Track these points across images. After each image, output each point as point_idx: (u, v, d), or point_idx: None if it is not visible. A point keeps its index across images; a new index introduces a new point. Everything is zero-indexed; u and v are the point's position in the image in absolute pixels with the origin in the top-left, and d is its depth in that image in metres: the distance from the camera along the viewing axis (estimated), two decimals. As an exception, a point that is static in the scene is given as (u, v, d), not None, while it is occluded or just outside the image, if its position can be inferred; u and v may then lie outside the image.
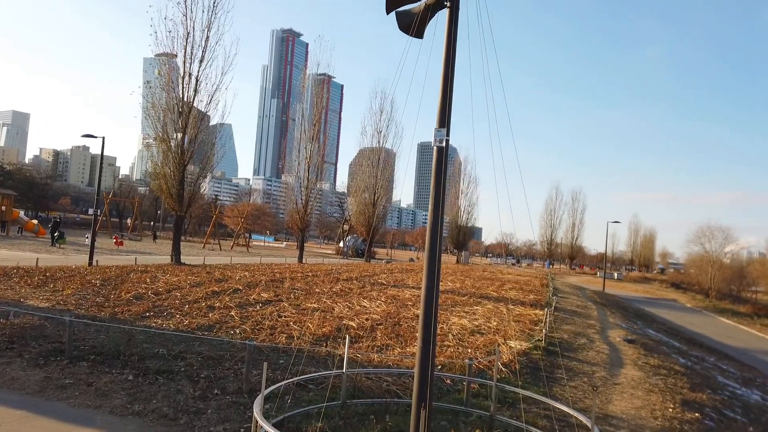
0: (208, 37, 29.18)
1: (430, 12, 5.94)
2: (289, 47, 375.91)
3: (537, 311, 20.71)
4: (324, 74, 49.02)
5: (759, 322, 43.27)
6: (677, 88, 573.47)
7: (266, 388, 6.09)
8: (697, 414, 9.39)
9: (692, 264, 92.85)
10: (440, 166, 6.32)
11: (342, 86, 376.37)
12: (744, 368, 22.62)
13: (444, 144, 6.33)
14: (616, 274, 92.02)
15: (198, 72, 29.15)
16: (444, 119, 6.25)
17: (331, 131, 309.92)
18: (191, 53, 28.96)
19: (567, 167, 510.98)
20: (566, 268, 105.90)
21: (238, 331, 12.26)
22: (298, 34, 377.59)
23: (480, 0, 5.87)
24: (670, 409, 9.40)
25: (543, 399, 7.39)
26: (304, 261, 44.66)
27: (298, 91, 52.79)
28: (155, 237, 64.30)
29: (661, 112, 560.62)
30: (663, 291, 68.85)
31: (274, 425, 6.06)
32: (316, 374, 8.08)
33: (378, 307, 17.94)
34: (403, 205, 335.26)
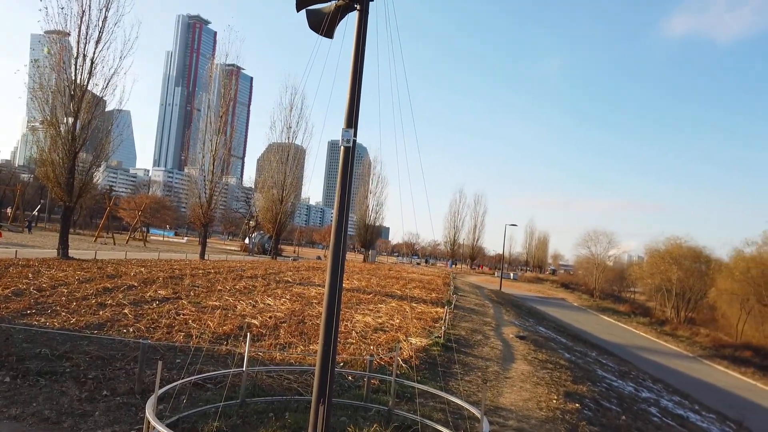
0: (106, 18, 27.30)
1: (340, 13, 6.01)
2: (195, 34, 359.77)
3: (438, 309, 21.44)
4: (233, 65, 47.60)
5: (635, 320, 47.53)
6: (573, 98, 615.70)
7: (160, 387, 5.88)
8: (577, 404, 10.19)
9: (580, 266, 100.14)
10: (347, 166, 6.42)
11: (251, 78, 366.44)
12: (621, 362, 24.79)
13: (351, 144, 6.44)
14: (512, 275, 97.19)
15: (94, 54, 27.20)
16: (351, 120, 6.36)
17: (239, 124, 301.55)
18: (86, 33, 26.94)
19: (471, 172, 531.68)
20: (467, 267, 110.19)
21: (131, 330, 11.66)
22: (206, 22, 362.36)
23: (389, 7, 6.03)
24: (554, 401, 10.14)
25: (438, 393, 7.72)
26: (206, 257, 43.09)
27: (205, 81, 50.67)
28: (30, 228, 58.43)
29: (558, 120, 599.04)
30: (554, 291, 73.64)
31: (169, 426, 5.87)
32: (214, 373, 7.90)
33: (283, 305, 17.77)
34: (312, 202, 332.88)
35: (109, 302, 14.78)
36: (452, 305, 23.45)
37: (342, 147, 6.46)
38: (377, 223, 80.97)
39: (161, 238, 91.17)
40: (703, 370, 29.41)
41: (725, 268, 54.15)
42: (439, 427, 6.97)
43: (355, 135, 6.48)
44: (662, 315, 57.10)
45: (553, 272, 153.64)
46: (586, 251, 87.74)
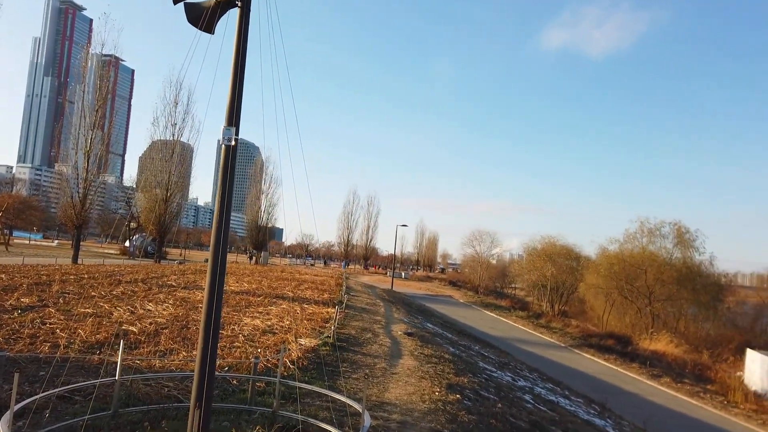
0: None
1: (220, 8, 5.90)
2: (68, 21, 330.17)
3: (329, 309, 21.51)
4: (110, 55, 44.33)
5: (514, 314, 50.78)
6: (461, 107, 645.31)
7: (17, 402, 5.40)
8: (458, 395, 10.74)
9: (466, 264, 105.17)
10: (227, 165, 6.30)
11: (133, 71, 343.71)
12: (501, 354, 26.37)
13: (233, 143, 6.33)
14: (403, 274, 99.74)
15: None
16: (233, 118, 6.26)
17: (118, 119, 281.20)
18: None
19: (365, 173, 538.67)
20: (361, 268, 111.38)
21: (-14, 343, 10.52)
22: (80, 8, 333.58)
23: (270, 4, 6.01)
24: (437, 393, 10.60)
25: (323, 391, 7.79)
26: (80, 262, 39.80)
27: (78, 71, 46.68)
28: None
29: (447, 128, 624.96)
30: (442, 288, 76.63)
31: (27, 443, 5.42)
32: (81, 384, 7.37)
33: (165, 310, 16.90)
34: (201, 203, 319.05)
35: (-41, 313, 13.22)
36: (344, 305, 23.63)
37: (223, 146, 6.34)
38: (270, 225, 79.39)
39: (27, 242, 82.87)
40: (573, 358, 32.06)
41: (592, 265, 59.46)
42: (323, 425, 7.04)
43: (237, 134, 6.38)
44: (539, 308, 61.53)
45: (442, 271, 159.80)
46: (472, 250, 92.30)
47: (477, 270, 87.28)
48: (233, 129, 6.34)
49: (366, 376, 10.99)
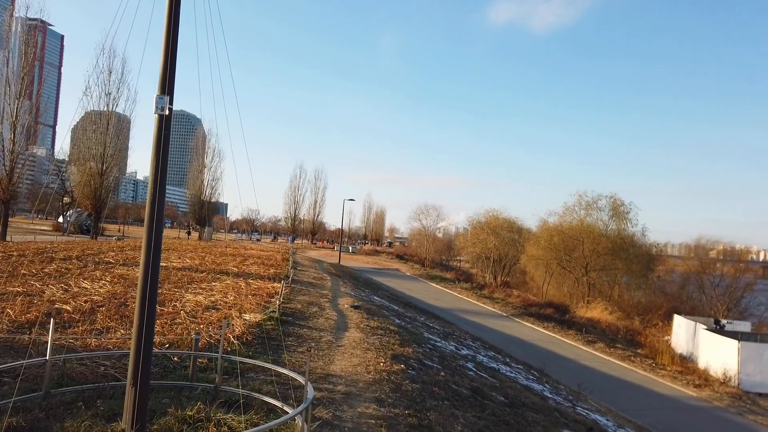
0: None
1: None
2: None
3: (275, 284, 21.31)
4: (36, 19, 41.50)
5: (459, 285, 52.00)
6: (409, 78, 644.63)
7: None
8: (402, 365, 10.94)
9: (413, 238, 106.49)
10: (160, 135, 6.06)
11: (62, 37, 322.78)
12: (446, 324, 27.02)
13: (167, 112, 6.08)
14: (351, 248, 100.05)
15: None
16: (165, 86, 6.00)
17: (47, 88, 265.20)
18: None
19: (311, 148, 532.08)
20: (308, 243, 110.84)
21: None
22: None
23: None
24: (381, 363, 10.76)
25: (266, 365, 7.76)
26: (8, 239, 37.69)
27: (1, 36, 43.52)
28: None
29: (395, 100, 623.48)
30: (389, 262, 77.39)
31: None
32: (9, 365, 7.03)
33: (102, 288, 16.28)
34: (140, 177, 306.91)
35: None
36: (290, 279, 23.50)
37: (156, 115, 6.07)
38: (213, 199, 77.49)
39: (-52, 218, 77.52)
40: (514, 326, 33.26)
41: (533, 237, 61.43)
42: (266, 398, 7.02)
43: (171, 102, 6.13)
44: (483, 280, 63.23)
45: (390, 245, 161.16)
46: (418, 224, 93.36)
47: (423, 243, 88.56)
48: (166, 98, 6.08)
49: (308, 350, 11.00)
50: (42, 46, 47.91)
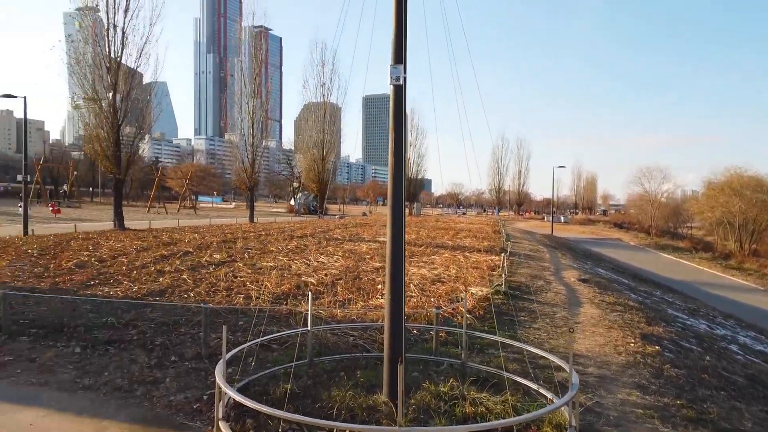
0: (131, -16, 27.06)
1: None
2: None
3: (493, 257, 20.92)
4: (261, 26, 46.83)
5: (697, 255, 45.69)
6: (615, 21, 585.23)
7: (227, 351, 5.67)
8: (656, 347, 9.60)
9: (632, 204, 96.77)
10: (399, 107, 5.84)
11: (280, 39, 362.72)
12: (687, 299, 23.77)
13: (401, 82, 5.84)
14: (562, 218, 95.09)
15: (124, 23, 27.16)
16: (399, 54, 5.76)
17: (272, 87, 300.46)
18: (114, 3, 26.82)
19: (508, 116, 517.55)
20: (514, 214, 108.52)
21: (192, 295, 11.69)
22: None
23: None
24: (632, 344, 9.58)
25: (514, 343, 7.31)
26: (255, 220, 43.67)
27: (235, 45, 50.46)
28: (58, 201, 54.91)
29: (599, 50, 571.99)
30: (607, 231, 71.67)
31: (240, 390, 5.69)
32: (281, 333, 7.70)
33: (336, 262, 17.63)
34: (352, 160, 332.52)
35: (167, 269, 14.94)
36: (507, 252, 22.88)
37: (392, 86, 5.87)
38: (419, 176, 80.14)
39: (210, 205, 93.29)
40: (775, 303, 27.99)
41: (792, 196, 51.04)
42: (520, 379, 6.57)
43: (405, 71, 5.88)
44: (724, 249, 54.71)
45: (604, 213, 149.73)
46: (639, 188, 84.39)
47: (646, 210, 79.93)
48: (400, 67, 5.85)
49: (570, 330, 10.24)
50: (266, 49, 53.82)
